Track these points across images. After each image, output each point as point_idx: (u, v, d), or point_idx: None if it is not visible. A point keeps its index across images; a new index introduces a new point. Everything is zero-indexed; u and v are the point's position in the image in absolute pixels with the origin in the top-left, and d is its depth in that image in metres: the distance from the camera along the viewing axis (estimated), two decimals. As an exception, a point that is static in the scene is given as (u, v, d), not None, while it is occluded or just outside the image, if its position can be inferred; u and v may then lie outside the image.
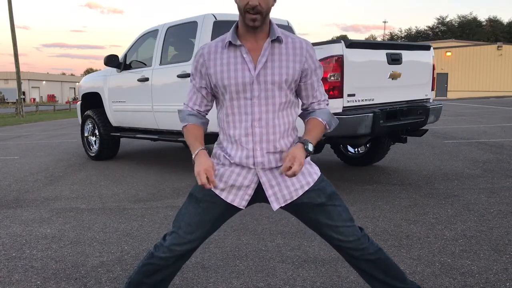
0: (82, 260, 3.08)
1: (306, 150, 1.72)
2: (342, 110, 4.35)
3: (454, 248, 3.07)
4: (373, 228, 3.54)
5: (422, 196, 4.48)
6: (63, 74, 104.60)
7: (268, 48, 1.77)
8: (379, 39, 76.80)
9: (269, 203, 1.85)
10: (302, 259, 2.97)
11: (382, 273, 1.91)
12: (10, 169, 6.77)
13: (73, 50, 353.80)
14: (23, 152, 8.75)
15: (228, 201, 1.84)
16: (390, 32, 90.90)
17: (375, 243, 1.92)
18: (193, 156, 1.76)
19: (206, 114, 1.94)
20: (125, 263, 3.00)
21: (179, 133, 5.70)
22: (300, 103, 1.92)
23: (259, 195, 1.85)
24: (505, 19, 76.61)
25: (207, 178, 1.68)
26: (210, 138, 4.29)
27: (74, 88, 74.06)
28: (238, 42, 1.77)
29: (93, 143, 7.38)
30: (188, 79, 5.39)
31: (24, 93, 53.92)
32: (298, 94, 1.89)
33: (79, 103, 7.81)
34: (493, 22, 63.04)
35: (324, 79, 4.23)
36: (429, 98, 5.42)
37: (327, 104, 1.91)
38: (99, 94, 7.15)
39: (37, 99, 66.86)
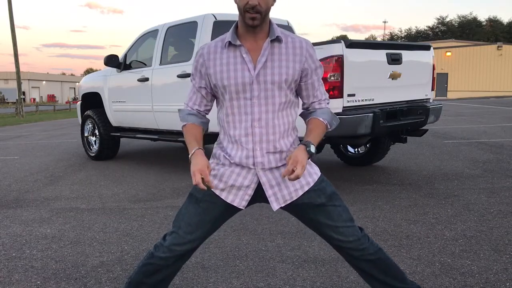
0: (82, 260, 3.08)
1: (309, 152, 1.72)
2: (342, 110, 4.35)
3: (454, 248, 3.07)
4: (373, 228, 3.54)
5: (422, 196, 4.48)
6: (63, 74, 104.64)
7: (267, 48, 1.77)
8: (379, 39, 76.81)
9: (269, 203, 1.85)
10: (302, 259, 2.97)
11: (382, 273, 1.91)
12: (10, 169, 6.77)
13: (73, 50, 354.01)
14: (23, 152, 8.75)
15: (228, 201, 1.84)
16: (390, 32, 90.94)
17: (375, 243, 1.92)
18: (189, 156, 1.76)
19: (206, 114, 1.94)
20: (125, 263, 3.00)
21: (179, 133, 5.70)
22: (301, 102, 1.92)
23: (259, 195, 1.85)
24: (505, 19, 76.67)
25: (202, 178, 1.67)
26: (210, 138, 4.29)
27: (74, 88, 74.08)
28: (238, 42, 1.77)
29: (93, 143, 7.38)
30: (188, 79, 5.39)
31: (24, 93, 53.94)
32: (298, 93, 1.89)
33: (79, 103, 7.81)
34: (493, 22, 63.05)
35: (324, 79, 4.23)
36: (429, 98, 5.42)
37: (328, 103, 1.91)
38: (99, 94, 7.15)
39: (37, 99, 66.87)
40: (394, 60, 4.80)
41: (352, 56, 4.39)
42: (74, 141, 10.34)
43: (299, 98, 1.91)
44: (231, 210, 1.87)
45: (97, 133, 7.14)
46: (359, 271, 1.95)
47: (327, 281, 2.64)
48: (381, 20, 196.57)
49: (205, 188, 1.67)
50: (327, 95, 1.92)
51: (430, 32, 65.62)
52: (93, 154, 7.31)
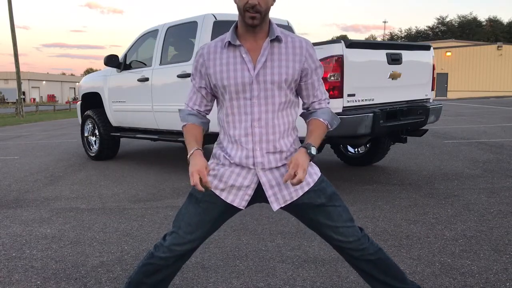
0: (82, 260, 3.08)
1: (309, 154, 1.72)
2: (342, 110, 4.35)
3: (454, 248, 3.07)
4: (373, 228, 3.54)
5: (422, 196, 4.48)
6: (63, 74, 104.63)
7: (267, 48, 1.77)
8: (379, 39, 76.80)
9: (269, 203, 1.85)
10: (302, 259, 2.97)
11: (382, 273, 1.91)
12: (10, 169, 6.77)
13: (73, 50, 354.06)
14: (23, 152, 8.75)
15: (228, 201, 1.84)
16: (390, 32, 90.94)
17: (375, 243, 1.92)
18: (188, 156, 1.76)
19: (207, 114, 1.94)
20: (125, 263, 3.00)
21: (179, 133, 5.70)
22: (301, 102, 1.92)
23: (259, 195, 1.85)
24: (505, 19, 76.66)
25: (201, 179, 1.67)
26: (211, 138, 4.28)
27: (74, 88, 74.08)
28: (238, 42, 1.77)
29: (93, 143, 7.38)
30: (188, 79, 5.39)
31: (24, 93, 53.93)
32: (298, 93, 1.89)
33: (79, 103, 7.81)
34: (493, 22, 63.04)
35: (324, 79, 4.23)
36: (429, 98, 5.42)
37: (328, 103, 1.91)
38: (99, 94, 7.15)
39: (37, 99, 66.88)
40: (394, 60, 4.80)
41: (352, 56, 4.39)
42: (74, 141, 10.34)
43: (299, 98, 1.91)
44: (231, 210, 1.87)
45: (97, 133, 7.14)
46: (359, 271, 1.95)
47: (327, 281, 2.64)
48: (381, 20, 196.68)
49: (203, 189, 1.66)
50: (327, 95, 1.92)
51: (430, 32, 65.62)
52: (93, 154, 7.31)
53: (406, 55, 4.96)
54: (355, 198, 4.46)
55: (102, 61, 6.61)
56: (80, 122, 7.59)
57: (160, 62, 5.97)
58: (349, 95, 4.41)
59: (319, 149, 4.58)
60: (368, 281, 1.96)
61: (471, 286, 2.52)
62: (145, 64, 6.32)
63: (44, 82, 74.20)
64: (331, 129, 1.90)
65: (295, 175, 1.65)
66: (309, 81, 1.84)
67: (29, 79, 68.17)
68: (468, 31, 61.41)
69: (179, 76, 5.53)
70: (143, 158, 7.48)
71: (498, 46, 37.09)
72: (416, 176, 5.37)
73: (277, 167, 1.82)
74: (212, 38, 5.37)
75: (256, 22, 1.71)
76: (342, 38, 6.39)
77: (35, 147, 9.53)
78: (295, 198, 1.83)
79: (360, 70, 4.51)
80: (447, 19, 65.73)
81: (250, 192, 1.83)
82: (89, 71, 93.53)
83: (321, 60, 4.24)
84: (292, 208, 1.87)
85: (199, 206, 1.85)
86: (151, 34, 6.41)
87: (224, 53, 1.79)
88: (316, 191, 1.83)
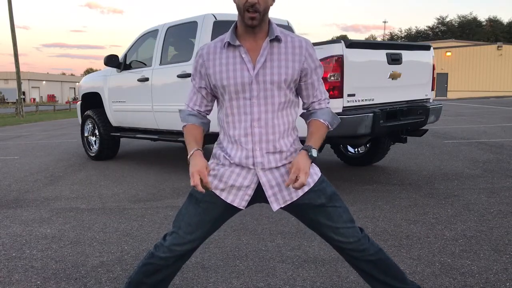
0: (82, 260, 3.08)
1: (310, 157, 1.72)
2: (342, 110, 4.35)
3: (454, 248, 3.07)
4: (373, 228, 3.54)
5: (422, 196, 4.48)
6: (63, 74, 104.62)
7: (267, 48, 1.77)
8: (379, 39, 76.80)
9: (269, 204, 1.84)
10: (302, 259, 2.97)
11: (382, 273, 1.91)
12: (10, 169, 6.77)
13: (73, 50, 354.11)
14: (23, 152, 8.75)
15: (228, 202, 1.84)
16: (390, 32, 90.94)
17: (375, 243, 1.92)
18: (188, 156, 1.76)
19: (207, 114, 1.94)
20: (125, 263, 3.00)
21: (179, 133, 5.70)
22: (301, 102, 1.92)
23: (259, 196, 1.85)
24: (505, 19, 76.66)
25: (201, 179, 1.67)
26: (211, 138, 4.28)
27: (74, 88, 74.08)
28: (237, 42, 1.76)
29: (93, 143, 7.38)
30: (188, 79, 5.39)
31: (24, 93, 53.93)
32: (298, 93, 1.88)
33: (79, 103, 7.81)
34: (493, 22, 63.04)
35: (324, 79, 4.23)
36: (429, 98, 5.42)
37: (328, 103, 1.91)
38: (99, 94, 7.15)
39: (37, 99, 66.87)
40: (394, 60, 4.80)
41: (352, 56, 4.39)
42: (74, 141, 10.34)
43: (299, 97, 1.91)
44: (231, 210, 1.87)
45: (97, 133, 7.14)
46: (359, 271, 1.95)
47: (327, 281, 2.64)
48: (381, 20, 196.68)
49: (203, 190, 1.66)
50: (327, 94, 1.92)
51: (430, 32, 65.61)
52: (93, 154, 7.31)
53: (406, 55, 4.96)
54: (355, 198, 4.46)
55: (102, 61, 6.61)
56: (80, 122, 7.59)
57: (160, 62, 5.98)
58: (349, 95, 4.41)
59: (319, 149, 4.58)
60: (368, 281, 1.96)
61: (471, 286, 2.52)
62: (145, 64, 6.32)
63: (44, 82, 74.20)
64: (331, 129, 1.90)
65: (297, 179, 1.65)
66: (309, 81, 1.84)
67: (29, 79, 68.17)
68: (468, 31, 61.41)
69: (179, 76, 5.53)
70: (143, 158, 7.48)
71: (498, 46, 37.09)
72: (416, 176, 5.37)
73: (277, 167, 1.82)
74: (212, 38, 5.37)
75: (255, 22, 1.71)
76: (342, 38, 6.39)
77: (35, 147, 9.53)
78: (295, 199, 1.83)
79: (360, 70, 4.51)
80: (447, 19, 65.79)
81: (250, 192, 1.83)
82: (89, 71, 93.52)
83: (321, 60, 4.24)
84: (292, 208, 1.87)
85: (199, 206, 1.85)
86: (151, 34, 6.41)
87: (223, 53, 1.79)
88: (316, 192, 1.83)
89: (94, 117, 7.13)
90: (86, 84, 7.60)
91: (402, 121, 4.88)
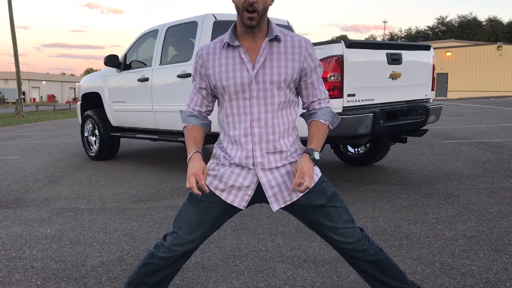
0: (82, 260, 3.08)
1: (313, 160, 1.73)
2: (342, 110, 4.35)
3: (454, 248, 3.07)
4: (373, 228, 3.54)
5: (422, 196, 4.48)
6: (63, 74, 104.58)
7: (266, 48, 1.77)
8: (379, 39, 76.79)
9: (269, 204, 1.84)
10: (302, 259, 2.97)
11: (382, 273, 1.91)
12: (10, 169, 6.77)
13: (73, 50, 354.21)
14: (23, 152, 8.75)
15: (228, 202, 1.84)
16: (390, 32, 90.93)
17: (375, 244, 1.92)
18: (187, 159, 1.77)
19: (208, 114, 1.94)
20: (125, 263, 3.00)
21: (179, 133, 5.70)
22: (301, 102, 1.92)
23: (259, 196, 1.85)
24: (505, 19, 76.62)
25: (198, 181, 1.67)
26: (211, 138, 4.28)
27: (74, 88, 74.09)
28: (236, 43, 1.76)
29: (93, 143, 7.38)
30: (188, 79, 5.40)
31: (24, 93, 53.97)
32: (298, 93, 1.88)
33: (79, 103, 7.81)
34: (493, 22, 63.01)
35: (324, 79, 4.23)
36: (429, 98, 5.42)
37: (328, 102, 1.91)
38: (99, 94, 7.15)
39: (37, 99, 66.87)
40: (394, 60, 4.80)
41: (352, 56, 4.39)
42: (74, 141, 10.34)
43: (299, 97, 1.91)
44: (231, 210, 1.87)
45: (97, 133, 7.14)
46: (359, 271, 1.95)
47: (327, 281, 2.64)
48: (381, 20, 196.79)
49: (199, 192, 1.66)
50: (327, 94, 1.91)
51: (430, 32, 65.59)
52: (93, 154, 7.31)
53: (406, 55, 4.96)
54: (355, 198, 4.46)
55: (102, 61, 6.61)
56: (80, 122, 7.59)
57: (160, 62, 5.98)
58: (349, 95, 4.41)
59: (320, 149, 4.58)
60: (368, 281, 1.96)
61: (471, 286, 2.52)
62: (145, 64, 6.32)
63: (44, 82, 74.19)
64: (332, 128, 1.90)
65: (301, 184, 1.67)
66: (308, 80, 1.84)
67: (29, 79, 68.17)
68: (468, 31, 61.39)
69: (179, 76, 5.53)
70: (143, 158, 7.48)
71: (498, 46, 37.08)
72: (416, 176, 5.36)
73: (277, 167, 1.82)
74: (212, 38, 5.37)
75: (254, 22, 1.71)
76: (342, 38, 6.39)
77: (35, 147, 9.53)
78: (295, 199, 1.83)
79: (360, 70, 4.51)
80: (447, 19, 65.73)
81: (250, 192, 1.83)
82: (89, 71, 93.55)
83: (321, 60, 4.25)
84: (292, 208, 1.87)
85: (199, 206, 1.85)
86: (151, 34, 6.41)
87: (223, 54, 1.79)
88: (316, 192, 1.82)
89: (94, 117, 7.13)
90: (86, 84, 7.60)
91: (402, 121, 4.88)
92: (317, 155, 1.74)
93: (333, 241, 1.87)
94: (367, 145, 6.01)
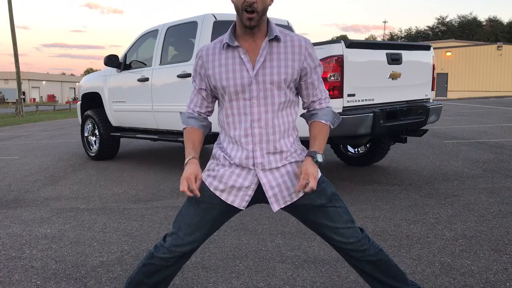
0: (82, 260, 3.08)
1: (316, 162, 1.74)
2: (342, 110, 4.35)
3: (454, 248, 3.07)
4: (373, 228, 3.54)
5: (422, 196, 4.48)
6: (63, 74, 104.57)
7: (266, 48, 1.77)
8: (379, 39, 76.79)
9: (269, 204, 1.84)
10: (302, 259, 2.97)
11: (382, 274, 1.91)
12: (10, 169, 6.77)
13: (73, 50, 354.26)
14: (23, 152, 8.75)
15: (228, 202, 1.84)
16: (390, 32, 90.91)
17: (376, 244, 1.92)
18: (184, 164, 1.79)
19: (208, 115, 1.94)
20: (125, 263, 3.00)
21: (179, 133, 5.70)
22: (301, 102, 1.92)
23: (259, 196, 1.85)
24: (505, 19, 76.59)
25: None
26: (211, 138, 4.28)
27: (74, 88, 74.07)
28: (235, 43, 1.76)
29: (93, 143, 7.38)
30: (188, 79, 5.40)
31: (24, 93, 53.96)
32: (298, 92, 1.88)
33: (79, 103, 7.81)
34: (493, 22, 63.00)
35: (324, 79, 4.23)
36: (429, 98, 5.42)
37: (328, 102, 1.90)
38: (99, 94, 7.15)
39: (37, 99, 66.85)
40: (394, 60, 4.80)
41: (352, 56, 4.39)
42: (74, 141, 10.34)
43: (299, 97, 1.91)
44: (231, 210, 1.87)
45: (97, 133, 7.14)
46: (359, 271, 1.95)
47: (327, 281, 2.64)
48: (381, 20, 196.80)
49: (191, 194, 1.71)
50: (327, 93, 1.91)
51: (430, 32, 65.58)
52: (93, 154, 7.31)
53: (406, 55, 4.96)
54: (355, 198, 4.46)
55: (102, 61, 6.61)
56: (80, 122, 7.59)
57: (160, 62, 5.98)
58: (349, 95, 4.41)
59: None
60: (368, 281, 1.96)
61: (471, 286, 2.52)
62: (145, 64, 6.32)
63: (44, 82, 74.18)
64: (333, 128, 1.90)
65: (307, 185, 1.68)
66: (308, 80, 1.84)
67: (29, 79, 68.15)
68: (468, 31, 61.38)
69: (179, 76, 5.53)
70: (143, 158, 7.48)
71: (498, 46, 37.07)
72: (416, 176, 5.36)
73: (277, 168, 1.81)
74: (212, 38, 5.37)
75: (253, 23, 1.71)
76: (342, 38, 6.39)
77: (35, 147, 9.53)
78: (295, 199, 1.83)
79: (360, 70, 4.51)
80: (447, 19, 65.71)
81: (250, 193, 1.83)
82: (89, 71, 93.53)
83: (321, 60, 4.25)
84: (292, 209, 1.87)
85: (199, 207, 1.85)
86: (151, 34, 6.41)
87: (222, 54, 1.79)
88: (317, 192, 1.82)
89: (94, 117, 7.13)
90: (86, 84, 7.60)
91: (402, 121, 4.88)
92: (319, 158, 1.75)
93: (333, 241, 1.87)
94: (367, 145, 6.01)
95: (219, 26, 5.47)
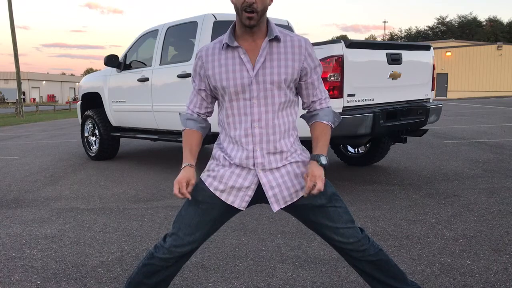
0: (82, 260, 3.08)
1: (321, 165, 1.75)
2: (342, 110, 4.36)
3: (454, 248, 3.07)
4: (373, 228, 3.54)
5: (422, 196, 4.48)
6: (63, 74, 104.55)
7: (266, 48, 1.77)
8: (379, 39, 76.79)
9: (269, 204, 1.84)
10: (302, 259, 2.97)
11: (382, 274, 1.91)
12: (10, 169, 6.77)
13: (73, 50, 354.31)
14: (23, 152, 8.75)
15: (228, 203, 1.84)
16: (390, 32, 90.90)
17: (376, 244, 1.92)
18: (181, 169, 1.83)
19: (207, 116, 1.94)
20: (125, 263, 3.00)
21: (179, 133, 5.70)
22: (300, 102, 1.92)
23: (259, 196, 1.85)
24: (505, 19, 76.57)
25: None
26: (211, 138, 4.27)
27: (74, 88, 74.08)
28: (235, 44, 1.76)
29: (93, 143, 7.38)
30: (188, 79, 5.40)
31: (24, 93, 53.96)
32: (298, 93, 1.88)
33: (79, 103, 7.81)
34: (493, 22, 62.99)
35: (324, 79, 4.23)
36: (429, 98, 5.42)
37: (328, 101, 1.91)
38: (99, 94, 7.15)
39: (37, 99, 66.84)
40: (394, 60, 4.80)
41: (352, 56, 4.39)
42: (74, 141, 10.34)
43: (299, 97, 1.91)
44: (231, 211, 1.87)
45: (97, 133, 7.14)
46: (359, 271, 1.95)
47: (327, 281, 2.64)
48: (381, 20, 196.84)
49: (183, 197, 1.76)
50: (327, 93, 1.92)
51: (430, 32, 65.57)
52: (93, 154, 7.31)
53: (406, 55, 4.96)
54: (355, 198, 4.46)
55: (102, 61, 6.61)
56: (80, 122, 7.59)
57: (160, 62, 5.98)
58: (349, 95, 4.41)
59: None
60: (368, 281, 1.96)
61: (471, 286, 2.52)
62: (145, 64, 6.32)
63: (44, 82, 74.17)
64: (333, 127, 1.90)
65: (314, 187, 1.69)
66: (308, 80, 1.84)
67: (29, 79, 68.14)
68: (468, 31, 61.37)
69: (179, 76, 5.53)
70: (143, 158, 7.48)
71: (498, 46, 37.07)
72: (416, 176, 5.36)
73: (277, 168, 1.81)
74: (212, 38, 5.37)
75: (253, 22, 1.71)
76: (342, 38, 6.39)
77: (35, 147, 9.53)
78: (295, 199, 1.83)
79: (360, 70, 4.51)
80: (447, 19, 65.69)
81: (250, 193, 1.83)
82: (89, 71, 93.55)
83: (321, 60, 4.25)
84: (292, 209, 1.87)
85: (199, 207, 1.85)
86: (151, 34, 6.41)
87: (222, 54, 1.79)
88: (317, 192, 1.83)
89: (94, 117, 7.13)
90: (86, 84, 7.60)
91: (402, 121, 4.88)
92: (323, 160, 1.76)
93: (333, 241, 1.87)
94: (367, 145, 6.01)
95: (219, 26, 5.47)
